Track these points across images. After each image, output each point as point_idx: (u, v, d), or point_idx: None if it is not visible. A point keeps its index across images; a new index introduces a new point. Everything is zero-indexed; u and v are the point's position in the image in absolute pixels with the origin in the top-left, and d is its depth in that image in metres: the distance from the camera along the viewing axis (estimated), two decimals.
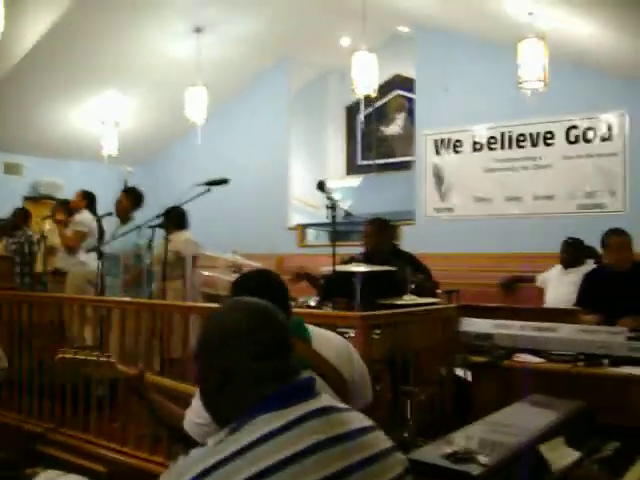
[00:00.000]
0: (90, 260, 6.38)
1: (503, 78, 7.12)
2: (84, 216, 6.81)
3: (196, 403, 2.22)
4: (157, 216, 5.10)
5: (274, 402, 1.48)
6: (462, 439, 2.42)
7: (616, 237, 4.86)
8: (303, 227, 9.98)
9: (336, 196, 10.21)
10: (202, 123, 8.49)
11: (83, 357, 2.56)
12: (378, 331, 3.43)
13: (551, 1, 6.03)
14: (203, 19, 8.20)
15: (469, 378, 4.04)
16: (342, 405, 1.60)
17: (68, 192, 9.01)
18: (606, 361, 3.78)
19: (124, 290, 5.65)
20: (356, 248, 5.29)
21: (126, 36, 8.20)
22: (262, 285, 2.40)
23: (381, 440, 1.56)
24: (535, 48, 6.27)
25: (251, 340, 1.54)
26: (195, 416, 2.25)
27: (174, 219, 5.56)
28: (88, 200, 6.98)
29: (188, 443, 2.23)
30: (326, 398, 1.58)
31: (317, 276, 4.82)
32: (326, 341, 2.48)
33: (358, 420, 1.56)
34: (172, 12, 7.97)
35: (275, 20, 8.72)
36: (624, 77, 7.33)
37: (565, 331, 4.05)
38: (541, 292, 6.66)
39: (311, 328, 2.49)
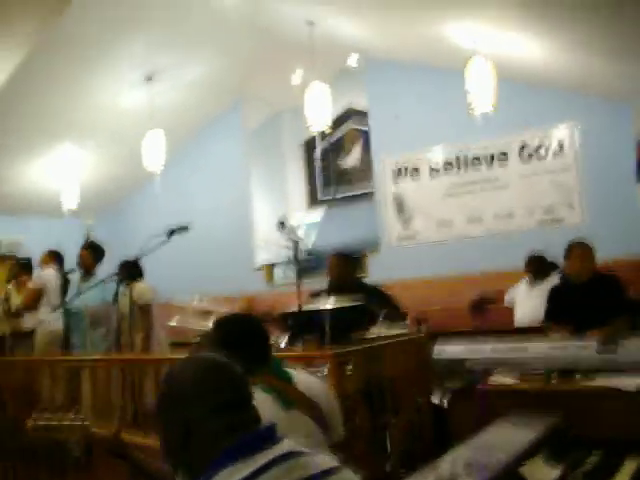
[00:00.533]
0: (52, 318, 6.31)
1: (454, 102, 7.22)
2: (43, 273, 6.76)
3: None
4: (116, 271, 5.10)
5: (236, 453, 1.49)
6: (443, 467, 2.43)
7: (579, 247, 4.95)
8: (270, 266, 9.95)
9: (300, 232, 10.27)
10: (160, 170, 8.46)
11: (57, 422, 2.52)
12: (350, 366, 3.44)
13: (493, 26, 6.15)
14: (153, 67, 8.21)
15: (445, 405, 4.05)
16: (305, 449, 1.60)
17: (29, 249, 8.93)
18: (578, 375, 3.81)
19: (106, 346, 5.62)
20: (324, 282, 5.29)
21: (78, 89, 8.16)
22: (246, 331, 2.50)
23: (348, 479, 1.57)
24: (481, 72, 6.39)
25: (209, 394, 1.56)
26: None
27: (129, 271, 5.56)
28: (55, 258, 6.94)
29: None
30: (288, 443, 1.58)
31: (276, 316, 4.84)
32: (304, 380, 2.55)
33: (322, 462, 1.57)
34: (122, 62, 7.97)
35: (226, 62, 8.77)
36: (571, 91, 7.48)
37: (536, 349, 4.08)
38: (510, 311, 6.71)
39: (289, 369, 2.56)
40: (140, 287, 6.02)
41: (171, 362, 4.15)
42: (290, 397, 2.39)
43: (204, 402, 1.54)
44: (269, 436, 1.57)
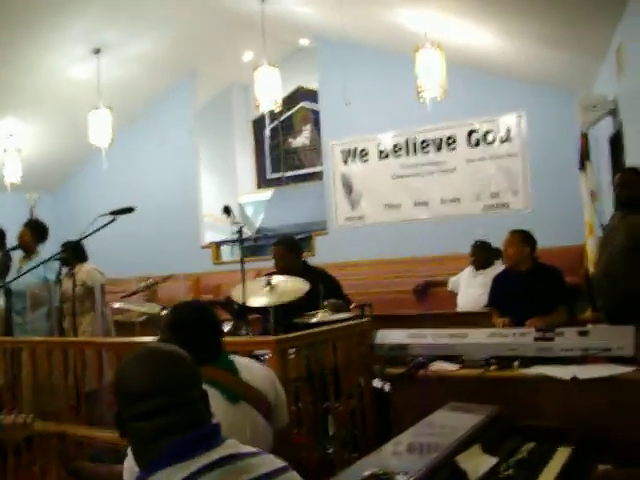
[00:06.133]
0: None
1: (404, 86, 7.23)
2: None
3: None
4: (59, 252, 4.98)
5: (173, 454, 1.47)
6: (380, 458, 2.46)
7: (508, 235, 5.07)
8: (217, 244, 9.90)
9: (248, 211, 10.20)
10: (108, 146, 8.29)
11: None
12: (293, 350, 3.45)
13: (443, 13, 6.17)
14: (101, 40, 8.04)
15: (387, 390, 4.09)
16: (249, 449, 1.59)
17: None
18: (517, 363, 3.87)
19: (33, 328, 5.46)
20: (271, 262, 5.26)
21: (22, 61, 7.95)
22: (200, 322, 2.46)
23: None
24: (432, 57, 6.41)
25: (150, 393, 1.53)
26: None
27: (74, 252, 5.44)
28: None
29: None
30: (232, 444, 1.57)
31: (224, 300, 4.80)
32: (251, 370, 2.55)
33: (267, 463, 1.57)
34: (69, 34, 7.78)
35: (176, 37, 8.64)
36: (520, 80, 7.59)
37: (476, 336, 4.13)
38: (453, 296, 6.78)
39: (236, 359, 2.55)
40: (87, 269, 5.88)
41: (111, 346, 4.13)
42: (237, 391, 2.39)
43: (145, 401, 1.52)
44: (212, 437, 1.55)
